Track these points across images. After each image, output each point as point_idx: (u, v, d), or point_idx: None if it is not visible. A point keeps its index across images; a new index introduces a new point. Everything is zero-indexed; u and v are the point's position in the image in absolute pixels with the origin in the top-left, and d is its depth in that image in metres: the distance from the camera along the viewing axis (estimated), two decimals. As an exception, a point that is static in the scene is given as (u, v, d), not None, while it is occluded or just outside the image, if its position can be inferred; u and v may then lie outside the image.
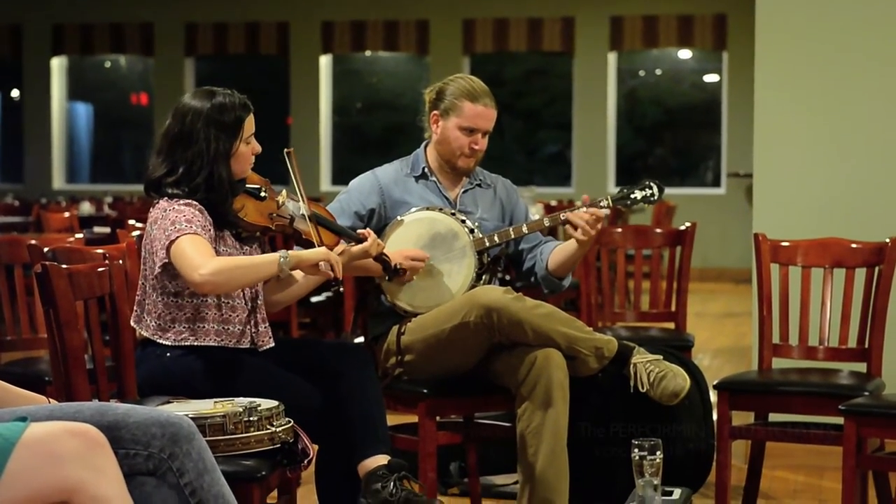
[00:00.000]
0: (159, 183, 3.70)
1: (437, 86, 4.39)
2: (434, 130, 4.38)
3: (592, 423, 4.41)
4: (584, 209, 4.24)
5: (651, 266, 5.69)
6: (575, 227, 4.22)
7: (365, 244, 3.90)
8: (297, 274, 3.90)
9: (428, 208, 4.33)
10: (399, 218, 4.31)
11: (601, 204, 4.29)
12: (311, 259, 3.64)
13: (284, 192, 3.86)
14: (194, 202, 3.64)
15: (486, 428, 4.59)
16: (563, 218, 4.29)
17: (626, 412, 4.39)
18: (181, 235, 3.54)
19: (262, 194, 3.81)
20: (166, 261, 3.56)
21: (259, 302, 3.81)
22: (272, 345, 3.80)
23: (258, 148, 3.80)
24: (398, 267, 4.10)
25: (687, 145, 16.80)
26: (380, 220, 4.34)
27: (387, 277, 4.15)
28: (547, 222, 4.35)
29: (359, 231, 3.97)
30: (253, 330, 3.77)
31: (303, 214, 3.83)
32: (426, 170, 4.40)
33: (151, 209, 3.69)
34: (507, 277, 4.52)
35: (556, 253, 4.38)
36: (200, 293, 3.60)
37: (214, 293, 3.61)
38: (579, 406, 4.19)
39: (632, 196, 4.38)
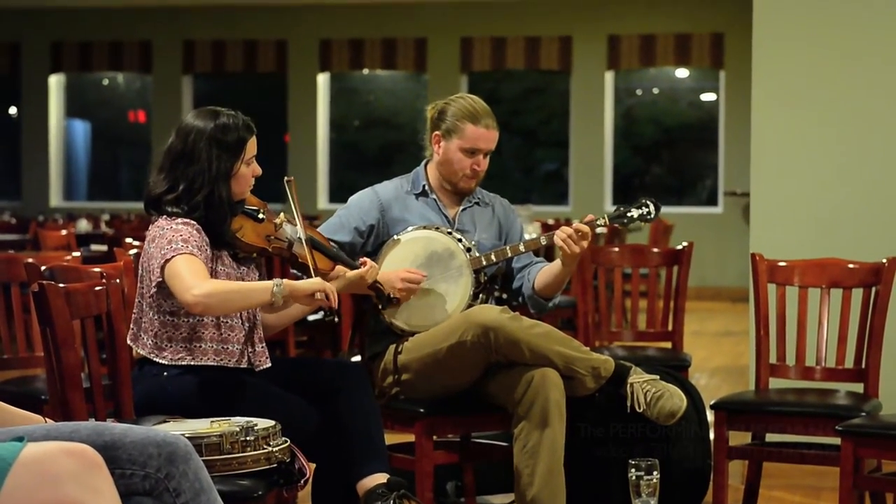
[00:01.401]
0: (159, 200, 3.71)
1: (439, 105, 4.39)
2: (436, 151, 4.38)
3: (590, 443, 4.41)
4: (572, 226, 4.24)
5: (648, 285, 5.69)
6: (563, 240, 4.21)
7: (360, 271, 3.92)
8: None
9: (425, 227, 4.33)
10: (396, 237, 4.31)
11: (598, 223, 4.29)
12: (305, 290, 3.64)
13: (282, 214, 3.87)
14: (192, 221, 3.65)
15: (483, 447, 4.59)
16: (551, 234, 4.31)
17: (622, 432, 4.39)
18: (176, 255, 3.54)
19: (261, 216, 3.82)
20: (161, 280, 3.56)
21: (257, 322, 3.82)
22: (269, 365, 3.80)
23: (258, 170, 3.81)
24: (391, 296, 4.11)
25: (684, 164, 16.81)
26: (378, 236, 4.34)
27: (380, 306, 4.16)
28: (544, 241, 4.36)
29: (359, 259, 3.99)
30: (250, 350, 3.77)
31: (300, 238, 3.84)
32: (426, 188, 4.41)
33: (150, 227, 3.70)
34: (504, 296, 4.52)
35: (543, 273, 4.38)
36: (192, 314, 3.60)
37: (205, 315, 3.61)
38: (576, 426, 4.19)
39: (628, 214, 4.38)
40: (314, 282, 3.67)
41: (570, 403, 4.07)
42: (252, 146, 3.77)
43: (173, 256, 3.54)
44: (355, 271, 3.91)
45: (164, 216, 3.67)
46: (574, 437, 4.23)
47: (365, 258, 4.03)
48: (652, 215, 4.37)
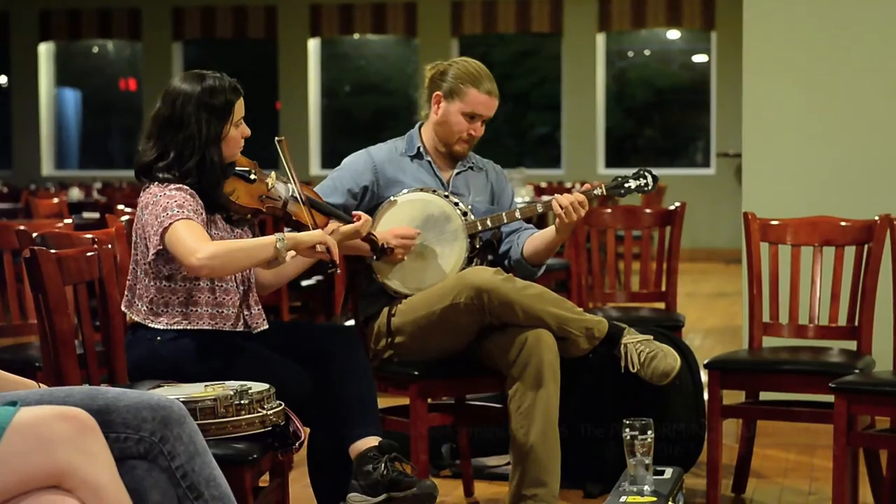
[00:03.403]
0: (150, 167, 3.70)
1: (442, 66, 4.37)
2: (434, 111, 4.36)
3: (584, 403, 4.42)
4: (571, 194, 4.23)
5: (641, 246, 5.70)
6: (561, 208, 4.20)
7: (356, 224, 3.91)
8: (287, 256, 3.90)
9: (422, 189, 4.32)
10: (392, 198, 4.30)
11: (595, 192, 4.28)
12: (307, 241, 3.65)
13: (274, 174, 3.87)
14: (185, 186, 3.64)
15: (478, 409, 4.60)
16: (545, 200, 4.30)
17: (616, 393, 4.40)
18: (175, 221, 3.53)
19: (252, 177, 3.82)
20: (161, 247, 3.55)
21: (251, 284, 3.82)
22: (266, 327, 3.80)
23: (248, 131, 3.80)
24: (385, 246, 4.10)
25: (676, 126, 16.80)
26: (373, 198, 4.33)
27: (375, 257, 4.15)
28: (539, 208, 4.34)
29: (352, 213, 3.98)
30: (246, 313, 3.77)
31: (293, 196, 3.83)
32: (421, 149, 4.40)
33: (142, 193, 3.68)
34: (490, 257, 4.52)
35: (533, 240, 4.37)
36: (197, 276, 3.60)
37: (211, 277, 3.61)
38: (570, 387, 4.20)
39: (626, 185, 4.36)
40: (315, 234, 3.67)
41: (564, 365, 4.07)
42: (240, 107, 3.76)
43: (171, 223, 3.53)
44: (350, 225, 3.90)
45: (156, 183, 3.66)
46: (571, 416, 4.25)
47: (359, 212, 4.01)
48: (649, 186, 4.36)
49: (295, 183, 3.83)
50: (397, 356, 4.24)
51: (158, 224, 3.55)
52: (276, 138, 3.87)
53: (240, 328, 3.75)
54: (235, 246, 3.58)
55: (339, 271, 3.79)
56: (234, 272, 3.67)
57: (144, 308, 3.66)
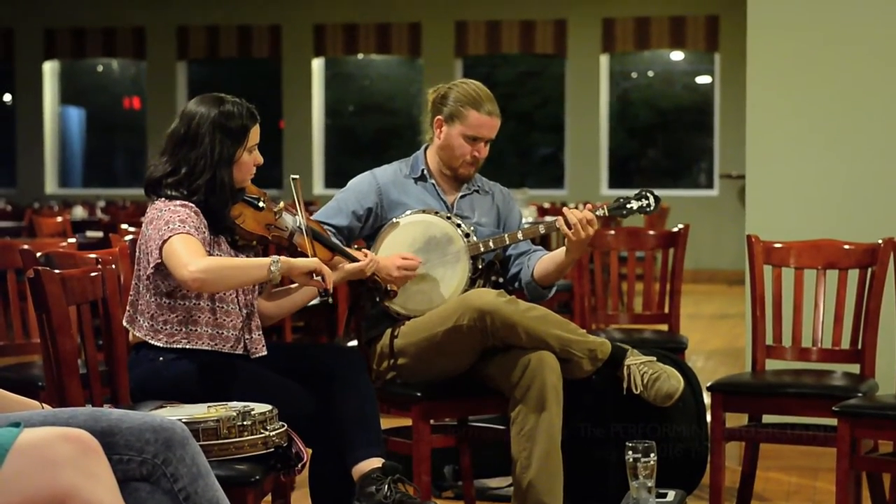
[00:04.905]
0: (159, 183, 3.72)
1: (442, 89, 4.37)
2: (437, 135, 4.36)
3: (587, 424, 4.41)
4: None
5: (644, 268, 5.69)
6: (569, 226, 4.18)
7: (360, 263, 3.93)
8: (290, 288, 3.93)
9: (424, 211, 4.32)
10: (394, 220, 4.31)
11: (597, 213, 4.27)
12: (302, 267, 3.65)
13: (282, 203, 3.89)
14: (191, 203, 3.66)
15: (480, 431, 4.59)
16: (557, 221, 4.29)
17: (619, 414, 4.39)
18: (174, 235, 3.55)
19: (261, 205, 3.84)
20: (160, 261, 3.57)
21: (254, 309, 3.82)
22: (265, 353, 3.80)
23: (260, 159, 3.82)
24: (388, 289, 4.11)
25: (679, 147, 16.81)
26: (376, 220, 4.33)
27: (377, 298, 4.16)
28: (542, 229, 4.34)
29: (356, 251, 3.99)
30: (247, 336, 3.77)
31: (300, 227, 3.85)
32: (425, 172, 4.40)
33: (148, 209, 3.71)
34: (500, 280, 4.51)
35: (544, 261, 4.36)
36: (190, 290, 3.60)
37: (203, 291, 3.61)
38: (573, 408, 4.19)
39: (628, 206, 4.36)
40: (311, 261, 3.68)
41: (567, 386, 4.07)
42: (255, 134, 3.78)
43: (171, 236, 3.55)
44: (354, 264, 3.92)
45: (163, 199, 3.68)
46: (574, 438, 4.24)
47: (365, 250, 4.02)
48: (651, 207, 4.36)
49: (302, 214, 3.84)
50: (400, 377, 4.24)
51: (159, 237, 3.57)
52: (292, 177, 3.89)
53: (239, 351, 3.75)
54: (229, 263, 3.60)
55: (331, 300, 3.80)
56: (227, 289, 3.67)
57: (146, 324, 3.67)
